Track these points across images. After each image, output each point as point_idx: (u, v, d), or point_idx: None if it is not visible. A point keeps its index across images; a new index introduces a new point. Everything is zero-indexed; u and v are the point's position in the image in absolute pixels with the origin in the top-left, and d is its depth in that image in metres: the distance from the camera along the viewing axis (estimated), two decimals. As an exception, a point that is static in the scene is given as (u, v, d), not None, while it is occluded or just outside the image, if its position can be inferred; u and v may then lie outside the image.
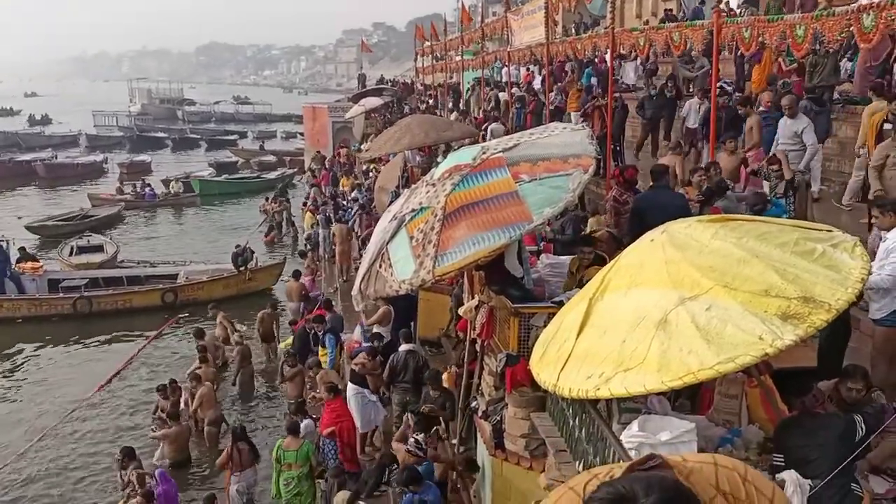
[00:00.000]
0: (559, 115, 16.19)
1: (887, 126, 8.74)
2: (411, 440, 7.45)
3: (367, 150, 21.02)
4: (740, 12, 14.10)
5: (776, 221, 4.62)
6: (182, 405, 12.27)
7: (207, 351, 13.50)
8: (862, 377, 4.80)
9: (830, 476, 3.26)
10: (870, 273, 4.80)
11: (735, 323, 3.47)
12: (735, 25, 9.62)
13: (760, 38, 9.02)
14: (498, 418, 6.46)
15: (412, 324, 11.01)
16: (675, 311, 3.70)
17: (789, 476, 3.43)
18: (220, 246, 24.97)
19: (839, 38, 7.74)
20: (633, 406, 4.35)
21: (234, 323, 15.82)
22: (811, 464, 3.47)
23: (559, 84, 18.67)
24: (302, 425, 9.52)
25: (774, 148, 9.37)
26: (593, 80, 17.56)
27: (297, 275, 16.64)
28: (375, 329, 10.64)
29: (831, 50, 10.43)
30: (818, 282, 3.59)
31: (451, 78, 30.80)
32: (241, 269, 19.58)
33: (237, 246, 20.17)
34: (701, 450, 3.82)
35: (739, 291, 3.61)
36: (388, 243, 6.79)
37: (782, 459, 3.67)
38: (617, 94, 14.38)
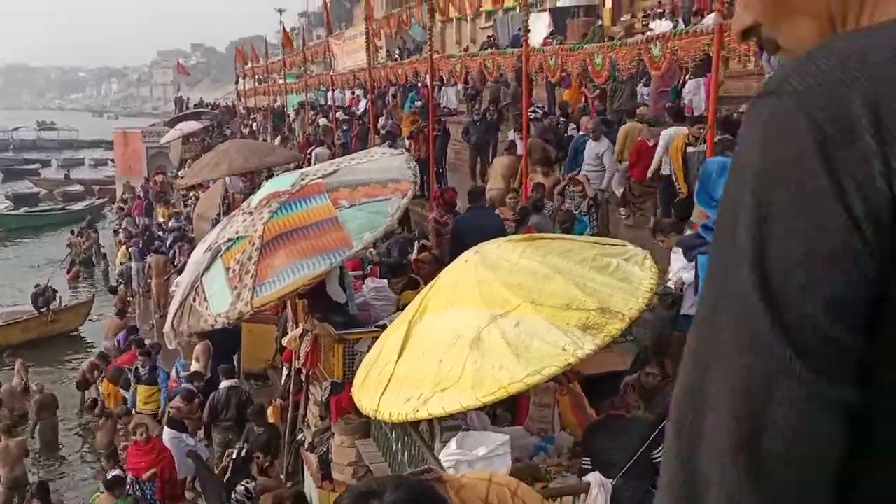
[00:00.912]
0: (393, 138, 16.28)
1: (690, 149, 9.39)
2: (240, 488, 7.04)
3: (183, 178, 20.00)
4: (551, 41, 15.12)
5: (578, 239, 4.94)
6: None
7: (3, 404, 12.08)
8: (658, 364, 5.22)
9: (622, 472, 3.45)
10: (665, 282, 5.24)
11: (541, 337, 3.63)
12: (542, 54, 10.38)
13: (564, 66, 9.73)
14: (324, 449, 6.30)
15: (235, 357, 10.52)
16: (487, 329, 3.82)
17: (594, 478, 3.61)
18: (20, 287, 22.50)
19: (631, 65, 8.49)
20: (454, 424, 4.41)
21: (28, 371, 14.28)
22: (615, 466, 3.67)
23: (386, 108, 18.86)
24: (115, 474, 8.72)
25: (580, 170, 10.00)
26: (417, 104, 17.90)
27: (121, 314, 15.55)
28: (194, 367, 10.00)
29: (626, 77, 11.38)
30: (614, 294, 3.84)
31: (275, 101, 30.20)
32: (43, 310, 17.77)
33: (37, 285, 18.31)
34: (517, 460, 3.93)
35: (544, 306, 3.79)
36: (202, 275, 6.51)
37: (590, 463, 3.85)
38: (439, 118, 14.74)
